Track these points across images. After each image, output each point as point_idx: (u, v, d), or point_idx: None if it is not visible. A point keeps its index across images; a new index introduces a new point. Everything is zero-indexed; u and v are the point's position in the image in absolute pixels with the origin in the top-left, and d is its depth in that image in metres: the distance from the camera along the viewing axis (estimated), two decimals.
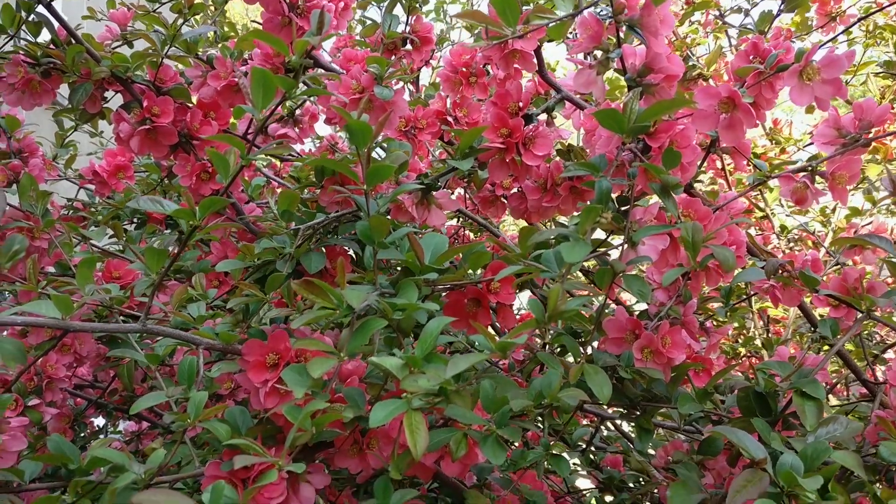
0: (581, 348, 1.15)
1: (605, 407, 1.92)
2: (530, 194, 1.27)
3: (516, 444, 1.38)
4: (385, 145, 1.39)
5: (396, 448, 0.80)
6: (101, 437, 1.80)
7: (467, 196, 1.96)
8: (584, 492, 1.99)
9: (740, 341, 2.33)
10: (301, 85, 0.93)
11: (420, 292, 0.91)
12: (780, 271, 1.13)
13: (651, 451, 1.70)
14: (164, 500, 0.62)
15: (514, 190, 1.38)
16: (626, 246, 0.94)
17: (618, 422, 2.29)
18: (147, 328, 0.90)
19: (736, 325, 2.39)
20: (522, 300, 2.88)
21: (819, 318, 1.40)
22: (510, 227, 3.39)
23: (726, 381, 1.16)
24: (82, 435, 1.85)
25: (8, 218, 1.23)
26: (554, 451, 1.17)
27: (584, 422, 1.96)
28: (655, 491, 1.57)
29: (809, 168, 1.06)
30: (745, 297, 1.56)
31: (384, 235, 0.89)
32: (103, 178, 1.80)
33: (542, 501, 1.23)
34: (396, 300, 0.83)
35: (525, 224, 1.42)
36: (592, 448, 1.82)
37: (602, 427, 1.96)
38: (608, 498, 1.92)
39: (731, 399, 1.22)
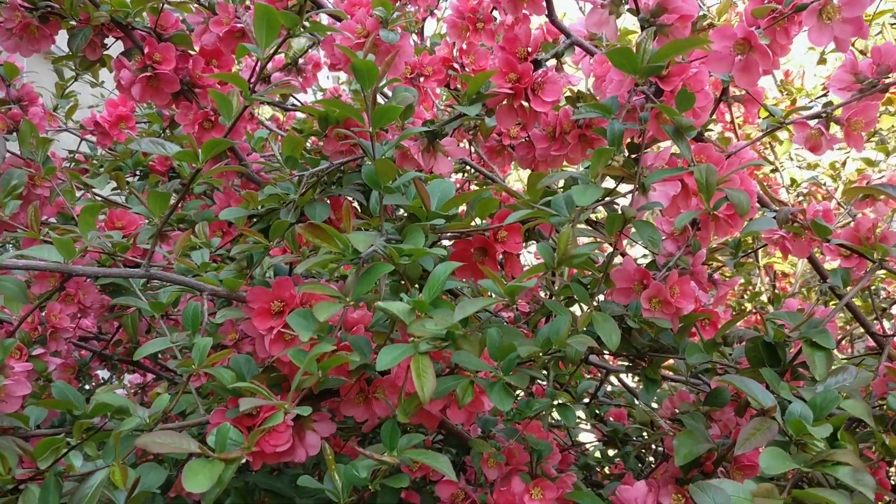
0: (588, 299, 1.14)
1: (611, 360, 1.92)
2: (538, 143, 1.25)
3: (521, 395, 1.38)
4: (390, 94, 1.37)
5: (403, 393, 0.79)
6: None
7: (472, 150, 1.93)
8: (587, 445, 2.00)
9: (746, 297, 2.32)
10: (305, 23, 0.91)
11: (427, 239, 0.89)
12: (792, 220, 1.11)
13: (655, 405, 1.70)
14: (168, 441, 0.61)
15: (522, 139, 1.36)
16: (636, 192, 0.92)
17: (622, 376, 2.30)
18: (150, 273, 0.89)
19: (742, 281, 2.38)
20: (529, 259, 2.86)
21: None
22: (516, 182, 3.36)
23: (734, 332, 1.15)
24: (87, 388, 1.85)
25: (8, 165, 1.21)
26: (560, 401, 1.16)
27: (589, 376, 1.96)
28: (659, 446, 1.57)
29: (824, 114, 1.03)
30: (752, 250, 1.54)
31: (390, 179, 0.87)
32: (105, 129, 1.78)
33: (548, 451, 1.23)
34: (403, 246, 0.82)
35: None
36: (597, 401, 1.81)
37: (606, 382, 1.96)
38: (611, 452, 1.93)
39: (738, 350, 1.21)
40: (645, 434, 1.81)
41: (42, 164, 1.20)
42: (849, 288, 1.13)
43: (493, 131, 1.42)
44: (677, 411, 1.23)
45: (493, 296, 0.77)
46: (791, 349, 1.11)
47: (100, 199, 1.41)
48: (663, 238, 1.28)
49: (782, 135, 1.92)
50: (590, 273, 0.99)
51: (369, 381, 1.11)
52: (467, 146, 1.95)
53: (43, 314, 1.38)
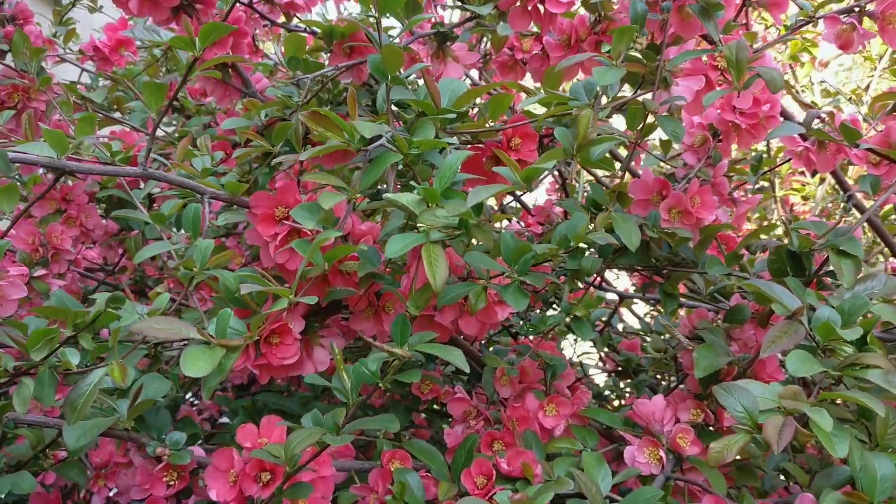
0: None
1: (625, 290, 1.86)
2: (553, 51, 1.19)
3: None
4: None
5: (415, 283, 0.75)
6: None
7: (484, 78, 1.87)
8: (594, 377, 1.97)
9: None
10: None
11: (438, 137, 0.85)
12: (821, 121, 1.06)
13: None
14: (166, 327, 0.58)
15: (535, 52, 1.30)
16: (658, 87, 0.87)
17: (635, 307, 2.26)
18: (148, 172, 0.85)
19: (758, 215, 2.33)
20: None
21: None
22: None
23: (757, 242, 1.11)
24: None
25: (1, 76, 1.17)
26: (576, 314, 1.13)
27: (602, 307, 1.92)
28: (672, 376, 1.54)
29: (857, 8, 0.98)
30: (773, 167, 1.49)
31: (397, 68, 0.82)
32: (105, 54, 1.72)
33: (562, 368, 1.20)
34: (413, 138, 0.77)
35: None
36: (610, 329, 1.78)
37: (619, 314, 1.92)
38: (622, 384, 1.90)
39: (760, 264, 1.17)
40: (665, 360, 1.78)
41: (36, 76, 1.16)
42: (876, 198, 1.09)
43: (505, 45, 1.36)
44: (696, 328, 1.20)
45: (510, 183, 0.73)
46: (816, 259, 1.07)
47: (101, 115, 1.36)
48: (683, 150, 1.23)
49: (803, 57, 1.86)
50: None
51: (379, 295, 1.08)
52: (477, 76, 1.89)
53: (43, 235, 1.35)
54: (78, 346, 0.71)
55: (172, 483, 0.92)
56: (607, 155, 1.10)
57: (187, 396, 1.73)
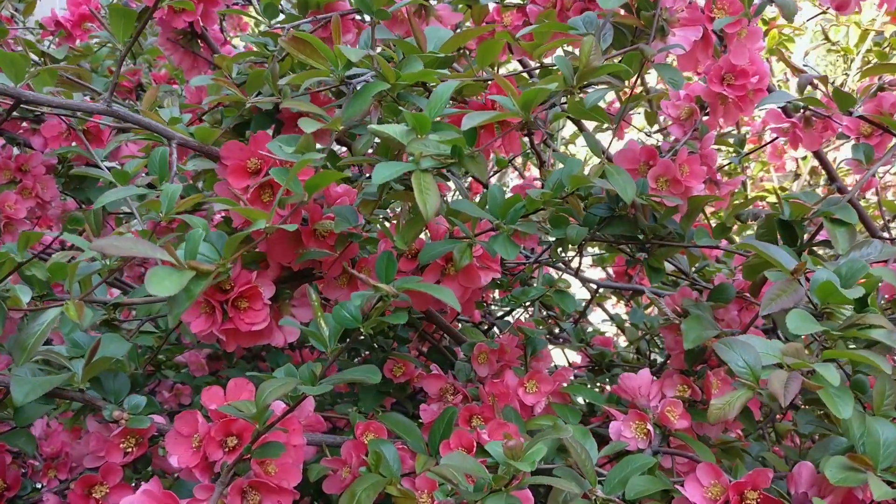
0: None
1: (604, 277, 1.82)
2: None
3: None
4: None
5: (402, 218, 0.70)
6: None
7: None
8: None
9: None
10: None
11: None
12: (814, 87, 1.04)
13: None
14: (128, 246, 0.52)
15: (518, 24, 1.26)
16: (654, 36, 0.84)
17: (608, 306, 2.23)
18: (112, 110, 0.79)
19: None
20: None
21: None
22: None
23: (747, 211, 1.07)
24: None
25: None
26: (560, 286, 1.09)
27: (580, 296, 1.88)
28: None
29: None
30: (757, 148, 1.46)
31: (384, 1, 0.77)
32: (68, 29, 1.66)
33: (543, 345, 1.15)
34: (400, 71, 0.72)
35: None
36: (586, 321, 1.75)
37: (593, 307, 1.88)
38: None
39: (748, 239, 1.14)
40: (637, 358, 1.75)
41: None
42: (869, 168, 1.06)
43: (486, 18, 1.32)
44: (679, 308, 1.16)
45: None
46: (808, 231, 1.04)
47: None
48: (669, 123, 1.20)
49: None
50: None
51: (354, 262, 1.03)
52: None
53: None
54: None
55: (130, 450, 0.85)
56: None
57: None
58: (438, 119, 0.65)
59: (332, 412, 1.20)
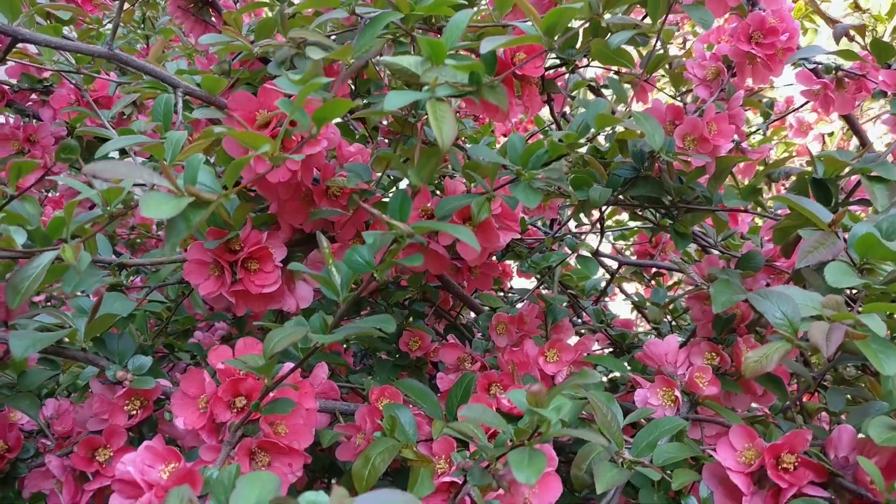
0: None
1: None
2: None
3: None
4: None
5: (417, 152, 0.66)
6: None
7: None
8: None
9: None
10: None
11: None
12: (850, 39, 0.99)
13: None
14: (122, 169, 0.48)
15: None
16: None
17: (626, 286, 2.18)
18: (114, 53, 0.75)
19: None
20: None
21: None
22: None
23: (779, 170, 1.03)
24: None
25: None
26: (582, 252, 1.04)
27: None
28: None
29: None
30: (783, 115, 1.41)
31: None
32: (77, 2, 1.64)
33: (563, 314, 1.11)
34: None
35: None
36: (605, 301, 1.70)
37: (614, 284, 1.83)
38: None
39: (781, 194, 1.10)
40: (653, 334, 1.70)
41: None
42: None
43: None
44: (707, 275, 1.11)
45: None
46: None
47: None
48: (695, 84, 1.15)
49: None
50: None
51: (368, 224, 0.99)
52: None
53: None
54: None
55: (135, 412, 0.82)
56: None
57: None
58: (453, 53, 0.61)
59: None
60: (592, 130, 0.75)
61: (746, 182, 1.15)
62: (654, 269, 1.87)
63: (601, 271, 1.90)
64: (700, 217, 1.10)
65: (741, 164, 1.19)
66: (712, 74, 1.13)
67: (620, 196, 1.03)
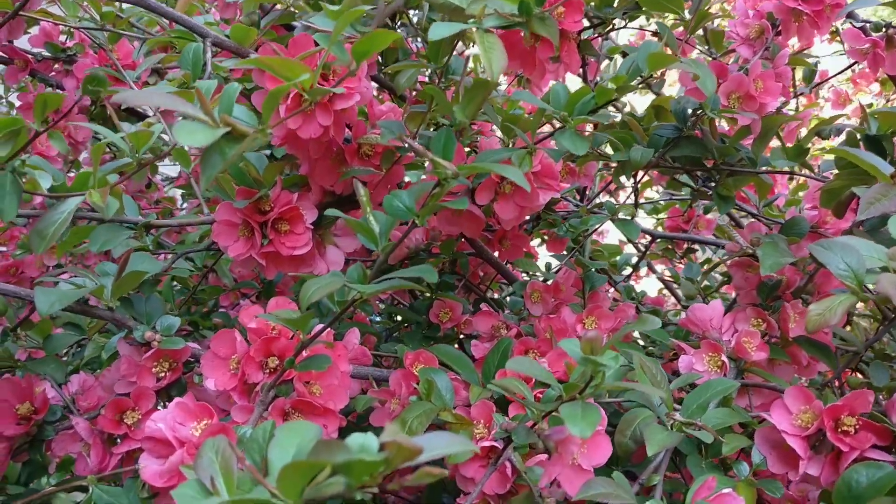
0: None
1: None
2: None
3: None
4: None
5: (461, 88, 0.63)
6: None
7: None
8: None
9: None
10: None
11: None
12: None
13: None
14: (154, 98, 0.46)
15: None
16: None
17: (657, 266, 2.13)
18: (146, 1, 0.72)
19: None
20: None
21: None
22: None
23: (829, 127, 0.98)
24: None
25: None
26: (622, 215, 1.01)
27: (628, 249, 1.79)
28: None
29: None
30: (828, 78, 1.37)
31: None
32: None
33: (601, 281, 1.08)
34: None
35: None
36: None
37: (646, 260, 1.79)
38: None
39: (825, 164, 1.05)
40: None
41: None
42: None
43: None
44: (752, 240, 1.07)
45: None
46: None
47: None
48: (737, 43, 1.11)
49: None
50: None
51: (401, 186, 0.96)
52: None
53: None
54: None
55: (163, 374, 0.79)
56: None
57: None
58: None
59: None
60: (643, 73, 0.71)
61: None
62: (685, 247, 1.83)
63: (631, 248, 1.86)
64: (743, 181, 1.06)
65: (786, 126, 1.14)
66: (756, 33, 1.08)
67: (662, 158, 1.00)
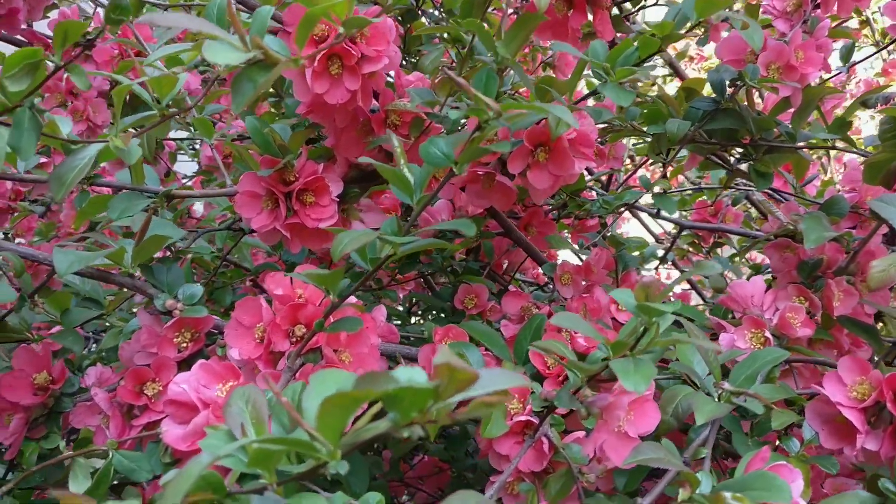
0: None
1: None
2: None
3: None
4: None
5: (504, 22, 0.60)
6: None
7: None
8: None
9: None
10: None
11: None
12: None
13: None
14: (179, 19, 0.43)
15: None
16: None
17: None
18: None
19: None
20: None
21: None
22: None
23: (875, 96, 0.95)
24: None
25: None
26: (658, 189, 0.97)
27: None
28: None
29: None
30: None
31: None
32: None
33: (634, 262, 1.04)
34: None
35: None
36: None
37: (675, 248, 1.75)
38: None
39: (869, 139, 1.02)
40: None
41: None
42: None
43: None
44: (792, 218, 1.03)
45: None
46: None
47: None
48: (773, 18, 1.08)
49: None
50: None
51: None
52: None
53: None
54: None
55: (185, 345, 0.76)
56: None
57: None
58: None
59: None
60: (690, 22, 0.67)
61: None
62: (711, 241, 1.79)
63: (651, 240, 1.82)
64: (782, 158, 1.02)
65: (826, 100, 1.10)
66: (793, 6, 1.05)
67: (697, 132, 0.96)
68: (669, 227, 1.89)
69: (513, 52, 0.59)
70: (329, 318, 0.66)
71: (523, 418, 0.74)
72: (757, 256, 2.14)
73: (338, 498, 0.57)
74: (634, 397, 0.60)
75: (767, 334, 0.84)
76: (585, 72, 0.82)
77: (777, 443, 0.77)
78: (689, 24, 0.69)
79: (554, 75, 1.64)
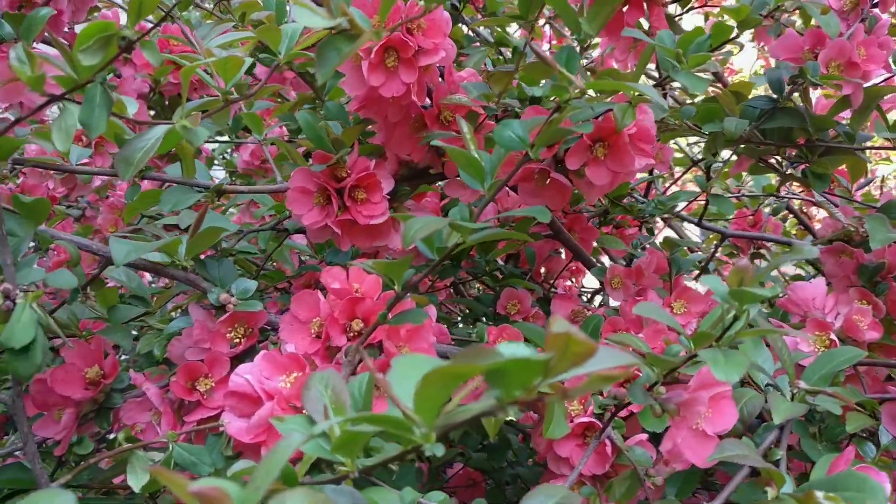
0: None
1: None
2: None
3: None
4: None
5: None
6: None
7: None
8: None
9: None
10: None
11: None
12: None
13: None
14: None
15: None
16: None
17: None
18: None
19: None
20: None
21: None
22: None
23: None
24: None
25: None
26: (715, 189, 0.95)
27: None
28: None
29: None
30: None
31: None
32: None
33: (687, 265, 1.01)
34: None
35: None
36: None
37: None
38: None
39: None
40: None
41: None
42: None
43: None
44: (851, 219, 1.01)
45: None
46: None
47: None
48: None
49: None
50: None
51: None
52: None
53: None
54: None
55: (238, 340, 0.74)
56: None
57: None
58: None
59: None
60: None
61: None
62: (750, 251, 1.76)
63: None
64: (839, 160, 1.00)
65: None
66: (850, 4, 1.02)
67: (753, 132, 0.94)
68: (697, 237, 1.86)
69: (596, 29, 0.57)
70: (390, 312, 0.64)
71: (585, 419, 0.72)
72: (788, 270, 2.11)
73: (407, 493, 0.55)
74: (715, 392, 0.57)
75: (833, 336, 0.81)
76: None
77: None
78: (769, 7, 0.67)
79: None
